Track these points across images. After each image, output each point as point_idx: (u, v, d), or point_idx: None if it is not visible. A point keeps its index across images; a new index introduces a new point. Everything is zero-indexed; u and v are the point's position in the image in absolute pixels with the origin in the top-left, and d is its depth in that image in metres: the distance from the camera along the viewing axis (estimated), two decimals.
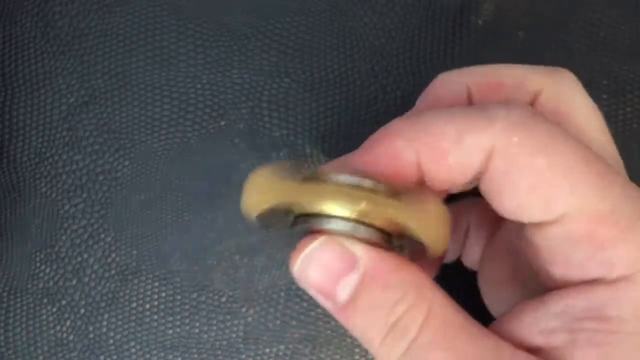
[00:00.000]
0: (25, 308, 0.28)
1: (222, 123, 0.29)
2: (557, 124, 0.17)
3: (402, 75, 0.29)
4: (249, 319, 0.28)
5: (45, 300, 0.28)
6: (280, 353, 0.28)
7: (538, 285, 0.19)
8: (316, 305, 0.28)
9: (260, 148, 0.29)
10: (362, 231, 0.17)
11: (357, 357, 0.27)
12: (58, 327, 0.28)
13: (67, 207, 0.29)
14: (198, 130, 0.29)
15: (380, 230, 0.17)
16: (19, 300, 0.28)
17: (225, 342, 0.28)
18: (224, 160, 0.29)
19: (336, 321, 0.28)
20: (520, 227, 0.19)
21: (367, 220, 0.17)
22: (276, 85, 0.29)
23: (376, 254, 0.17)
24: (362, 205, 0.16)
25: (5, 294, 0.28)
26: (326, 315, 0.28)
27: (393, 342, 0.17)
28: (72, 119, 0.29)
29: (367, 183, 0.17)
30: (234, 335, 0.28)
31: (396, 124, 0.18)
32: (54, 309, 0.28)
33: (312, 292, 0.18)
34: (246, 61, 0.29)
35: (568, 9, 0.29)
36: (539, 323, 0.17)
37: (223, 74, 0.29)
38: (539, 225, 0.17)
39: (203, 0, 0.30)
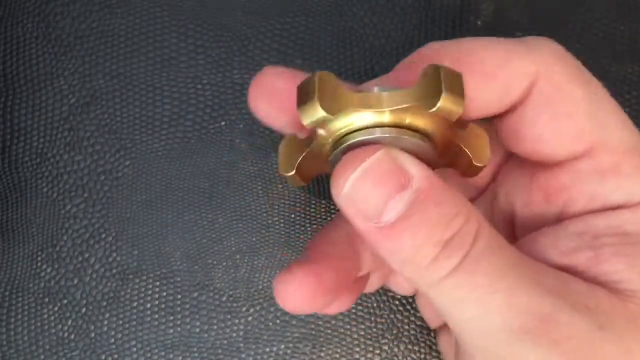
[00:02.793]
0: (26, 307, 0.28)
1: (222, 123, 0.29)
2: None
3: None
4: (250, 318, 0.28)
5: (46, 300, 0.28)
6: (281, 352, 0.28)
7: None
8: None
9: (260, 148, 0.29)
10: (408, 142, 0.16)
11: (357, 356, 0.28)
12: (59, 327, 0.28)
13: (68, 207, 0.29)
14: (198, 130, 0.29)
15: (428, 140, 0.17)
16: (20, 299, 0.29)
17: (225, 342, 0.28)
18: (224, 160, 0.29)
19: (336, 320, 0.28)
20: (529, 171, 0.19)
21: (414, 128, 0.16)
22: None
23: (429, 172, 0.17)
24: (408, 108, 0.16)
25: (7, 293, 0.29)
26: (326, 315, 0.28)
27: (448, 256, 0.16)
28: (74, 120, 0.29)
29: (409, 93, 0.16)
30: (234, 334, 0.28)
31: (435, 46, 0.18)
32: (56, 308, 0.28)
33: (351, 212, 0.17)
34: (246, 61, 0.29)
35: (567, 9, 0.29)
36: (559, 244, 0.18)
37: (223, 74, 0.29)
38: (560, 162, 0.18)
39: (203, 1, 0.30)
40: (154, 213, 0.29)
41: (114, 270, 0.29)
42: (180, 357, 0.28)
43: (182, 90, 0.29)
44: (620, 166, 0.18)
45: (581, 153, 0.18)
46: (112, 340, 0.28)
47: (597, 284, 0.17)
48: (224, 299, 0.28)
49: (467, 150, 0.18)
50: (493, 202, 0.22)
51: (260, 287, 0.28)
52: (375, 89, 0.17)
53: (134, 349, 0.28)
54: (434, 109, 0.16)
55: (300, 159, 0.18)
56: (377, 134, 0.16)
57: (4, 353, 0.28)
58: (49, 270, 0.29)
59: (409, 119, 0.16)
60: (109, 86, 0.30)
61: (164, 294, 0.28)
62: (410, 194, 0.16)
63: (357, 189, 0.16)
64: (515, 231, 0.21)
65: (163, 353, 0.28)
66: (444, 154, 0.18)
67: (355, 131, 0.17)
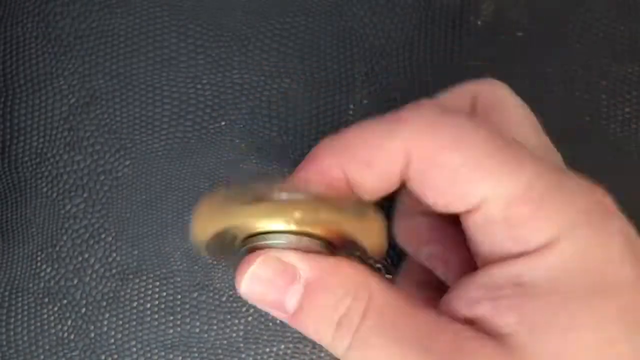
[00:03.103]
0: (26, 307, 0.28)
1: (222, 123, 0.29)
2: (468, 116, 0.19)
3: (402, 75, 0.29)
4: (250, 318, 0.28)
5: (46, 300, 0.28)
6: (281, 352, 0.28)
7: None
8: None
9: (260, 148, 0.29)
10: (304, 242, 0.18)
11: None
12: (59, 327, 0.28)
13: (68, 207, 0.29)
14: (198, 130, 0.29)
15: (322, 238, 0.19)
16: (20, 299, 0.28)
17: (225, 342, 0.28)
18: (224, 160, 0.29)
19: None
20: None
21: (307, 231, 0.18)
22: (276, 86, 0.29)
23: (314, 261, 0.18)
24: (296, 215, 0.18)
25: (6, 293, 0.29)
26: None
27: (341, 336, 0.18)
28: (73, 119, 0.29)
29: (304, 197, 0.18)
30: (234, 334, 0.28)
31: (324, 142, 0.20)
32: (55, 309, 0.28)
33: (263, 307, 0.19)
34: (246, 61, 0.29)
35: (567, 9, 0.29)
36: (467, 295, 0.18)
37: (223, 74, 0.29)
38: (464, 213, 0.19)
39: (203, 1, 0.30)
40: (154, 213, 0.29)
41: (114, 270, 0.28)
42: (180, 357, 0.28)
43: (182, 90, 0.29)
44: (509, 217, 0.18)
45: (473, 208, 0.18)
46: (112, 340, 0.28)
47: (495, 336, 0.18)
48: (224, 299, 0.28)
49: (361, 243, 0.19)
50: None
51: None
52: (265, 198, 0.18)
53: (134, 349, 0.28)
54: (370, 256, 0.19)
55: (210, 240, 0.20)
56: (270, 240, 0.18)
57: (3, 353, 0.28)
58: (48, 270, 0.29)
59: (295, 227, 0.18)
60: (108, 86, 0.30)
61: (164, 294, 0.28)
62: (300, 287, 0.18)
63: (252, 290, 0.19)
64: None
65: (163, 353, 0.28)
66: (343, 243, 0.20)
67: (255, 235, 0.19)
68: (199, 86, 0.29)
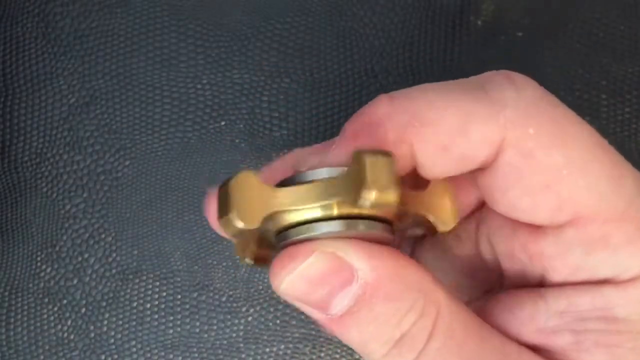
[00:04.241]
0: (26, 307, 0.28)
1: (222, 123, 0.29)
2: (568, 109, 0.15)
3: (402, 75, 0.29)
4: (249, 319, 0.28)
5: (46, 300, 0.28)
6: (281, 352, 0.28)
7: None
8: None
9: (260, 148, 0.29)
10: (358, 227, 0.15)
11: (357, 356, 0.28)
12: (59, 327, 0.28)
13: (68, 207, 0.29)
14: (198, 130, 0.29)
15: (378, 219, 0.15)
16: (20, 299, 0.28)
17: (225, 342, 0.28)
18: (224, 160, 0.29)
19: None
20: (512, 228, 0.17)
21: (360, 213, 0.15)
22: (276, 85, 0.29)
23: (377, 260, 0.15)
24: (362, 195, 0.14)
25: (6, 293, 0.29)
26: None
27: (399, 355, 0.15)
28: (73, 120, 0.29)
29: (363, 173, 0.14)
30: (234, 334, 0.28)
31: (382, 108, 0.16)
32: (55, 309, 0.28)
33: (300, 306, 0.16)
34: (246, 61, 0.29)
35: (567, 9, 0.29)
36: (538, 321, 0.16)
37: (223, 74, 0.29)
38: (545, 227, 0.16)
39: (203, 1, 0.30)
40: (154, 213, 0.29)
41: (114, 271, 0.28)
42: (180, 358, 0.28)
43: (182, 90, 0.29)
44: (609, 237, 0.15)
45: (564, 223, 0.15)
46: (112, 340, 0.28)
47: None
48: (223, 299, 0.28)
49: (428, 217, 0.16)
50: (477, 236, 0.20)
51: (260, 287, 0.28)
52: (301, 179, 0.15)
53: (134, 349, 0.28)
54: (365, 205, 0.14)
55: (254, 248, 0.17)
56: (318, 230, 0.15)
57: (3, 353, 0.28)
58: (48, 270, 0.29)
59: (345, 209, 0.15)
60: (108, 86, 0.30)
61: (164, 294, 0.28)
62: (357, 289, 0.15)
63: (294, 289, 0.15)
64: (503, 277, 0.19)
65: (163, 353, 0.28)
66: (406, 221, 0.17)
67: (295, 226, 0.15)
68: (199, 86, 0.29)
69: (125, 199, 0.29)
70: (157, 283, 0.28)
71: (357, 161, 0.14)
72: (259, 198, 0.15)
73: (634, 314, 0.15)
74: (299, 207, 0.15)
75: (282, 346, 0.28)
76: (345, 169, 0.15)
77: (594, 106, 0.29)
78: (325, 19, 0.30)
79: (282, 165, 0.18)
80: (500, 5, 0.29)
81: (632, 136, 0.28)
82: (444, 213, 0.16)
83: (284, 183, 0.16)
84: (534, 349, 0.16)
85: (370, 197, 0.14)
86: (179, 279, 0.28)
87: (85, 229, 0.29)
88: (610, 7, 0.29)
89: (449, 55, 0.29)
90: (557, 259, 0.16)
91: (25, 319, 0.28)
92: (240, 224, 0.15)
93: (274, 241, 0.16)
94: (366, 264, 0.15)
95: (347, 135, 0.16)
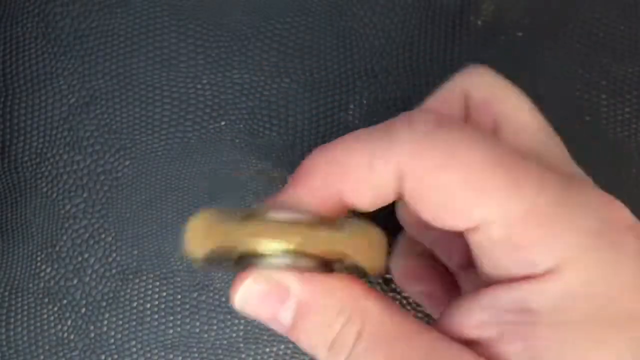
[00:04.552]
0: (26, 307, 0.28)
1: (222, 123, 0.29)
2: (463, 128, 0.18)
3: (402, 75, 0.29)
4: (249, 319, 0.28)
5: (46, 300, 0.28)
6: (281, 352, 0.28)
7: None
8: None
9: (260, 148, 0.29)
10: (301, 262, 0.18)
11: None
12: (59, 327, 0.28)
13: (68, 207, 0.29)
14: (198, 130, 0.29)
15: (319, 258, 0.18)
16: (20, 299, 0.28)
17: (225, 342, 0.28)
18: (224, 160, 0.29)
19: None
20: (450, 239, 0.19)
21: (304, 251, 0.18)
22: (276, 85, 0.29)
23: (307, 280, 0.18)
24: (293, 237, 0.17)
25: (6, 293, 0.29)
26: None
27: (334, 355, 0.18)
28: (73, 120, 0.29)
29: (300, 217, 0.18)
30: (234, 334, 0.28)
31: (313, 159, 0.19)
32: (55, 309, 0.28)
33: (261, 321, 0.19)
34: (246, 61, 0.29)
35: (567, 9, 0.29)
36: (471, 316, 0.18)
37: (223, 74, 0.29)
38: (463, 232, 0.18)
39: (203, 1, 0.30)
40: (154, 213, 0.29)
41: (114, 271, 0.28)
42: (180, 358, 0.28)
43: (182, 90, 0.29)
44: (511, 238, 0.17)
45: (472, 228, 0.17)
46: (112, 340, 0.28)
47: None
48: (223, 299, 0.28)
49: (360, 263, 0.19)
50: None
51: None
52: (259, 217, 0.18)
53: (134, 349, 0.28)
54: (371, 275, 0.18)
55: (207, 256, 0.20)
56: (268, 258, 0.18)
57: (3, 353, 0.28)
58: (48, 270, 0.29)
59: (292, 247, 0.18)
60: (108, 86, 0.30)
61: (164, 294, 0.28)
62: (293, 306, 0.18)
63: (245, 307, 0.19)
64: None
65: (163, 353, 0.28)
66: (342, 262, 0.19)
67: (258, 254, 0.18)
68: (199, 86, 0.29)
69: (125, 199, 0.29)
70: (157, 283, 0.28)
71: (357, 232, 0.18)
72: (213, 231, 0.18)
73: (546, 306, 0.16)
74: (249, 240, 0.18)
75: (282, 346, 0.28)
76: (295, 214, 0.18)
77: (594, 106, 0.29)
78: (325, 19, 0.30)
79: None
80: (500, 5, 0.29)
81: (632, 136, 0.28)
82: (372, 259, 0.19)
83: (245, 219, 0.19)
84: (470, 343, 0.18)
85: (376, 272, 0.18)
86: (179, 279, 0.28)
87: (85, 229, 0.29)
88: (610, 7, 0.29)
89: (449, 55, 0.29)
90: (480, 259, 0.18)
91: (25, 319, 0.28)
92: (189, 249, 0.18)
93: (234, 261, 0.19)
94: (298, 284, 0.18)
95: (291, 184, 0.19)
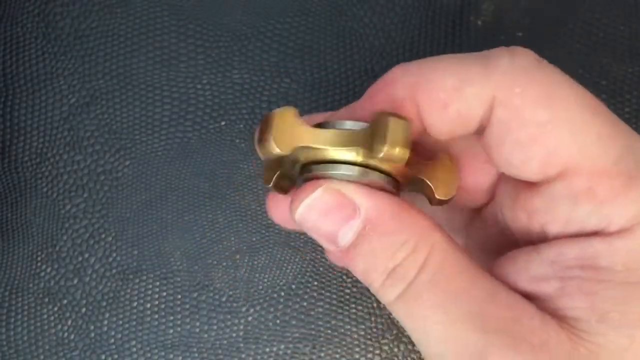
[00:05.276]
0: (26, 307, 0.28)
1: (222, 123, 0.29)
2: (563, 74, 0.17)
3: None
4: (249, 319, 0.28)
5: (46, 300, 0.28)
6: (281, 352, 0.28)
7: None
8: (316, 304, 0.28)
9: None
10: (370, 175, 0.17)
11: (357, 356, 0.28)
12: (59, 327, 0.28)
13: (68, 207, 0.29)
14: (198, 130, 0.29)
15: (389, 174, 0.18)
16: (20, 299, 0.28)
17: (225, 342, 0.28)
18: (225, 160, 0.29)
19: (336, 321, 0.28)
20: (514, 189, 0.19)
21: (375, 165, 0.17)
22: (276, 86, 0.29)
23: (378, 200, 0.17)
24: (371, 147, 0.16)
25: (7, 293, 0.29)
26: (326, 315, 0.28)
27: (391, 285, 0.17)
28: (73, 120, 0.29)
29: (376, 128, 0.17)
30: (234, 334, 0.28)
31: (396, 71, 0.18)
32: (55, 308, 0.28)
33: (315, 236, 0.18)
34: (246, 61, 0.29)
35: (567, 9, 0.29)
36: (530, 269, 0.17)
37: (223, 75, 0.29)
38: (538, 183, 0.17)
39: (203, 1, 0.30)
40: (154, 213, 0.29)
41: (114, 270, 0.28)
42: (180, 357, 0.28)
43: (182, 90, 0.29)
44: (595, 189, 0.16)
45: (554, 176, 0.17)
46: (112, 340, 0.28)
47: (557, 317, 0.16)
48: (223, 299, 0.28)
49: (429, 184, 0.18)
50: (496, 214, 0.21)
51: (260, 287, 0.28)
52: (331, 125, 0.18)
53: (134, 349, 0.28)
54: (378, 157, 0.16)
55: (277, 177, 0.19)
56: (334, 170, 0.17)
57: (3, 353, 0.28)
58: (48, 270, 0.29)
59: (361, 160, 0.17)
60: (108, 86, 0.30)
61: (164, 294, 0.28)
62: (358, 224, 0.17)
63: (306, 219, 0.18)
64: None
65: (163, 353, 0.28)
66: (410, 183, 0.19)
67: (318, 163, 0.18)
68: (199, 86, 0.29)
69: (125, 198, 0.29)
70: (157, 283, 0.28)
71: (378, 120, 0.17)
72: (294, 131, 0.17)
73: (617, 265, 0.16)
74: (323, 147, 0.17)
75: (282, 346, 0.28)
76: (366, 124, 0.17)
77: None
78: (325, 19, 0.30)
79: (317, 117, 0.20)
80: (500, 5, 0.29)
81: None
82: (444, 183, 0.18)
83: (315, 126, 0.18)
84: (526, 296, 0.17)
85: (385, 150, 0.16)
86: (179, 279, 0.28)
87: (86, 228, 0.29)
88: (610, 7, 0.29)
89: None
90: (548, 213, 0.17)
91: (26, 319, 0.28)
92: (275, 149, 0.17)
93: (297, 176, 0.19)
94: (368, 201, 0.17)
95: (366, 95, 0.18)
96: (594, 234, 0.16)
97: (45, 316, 0.28)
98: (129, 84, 0.30)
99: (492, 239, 0.21)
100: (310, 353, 0.28)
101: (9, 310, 0.28)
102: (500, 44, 0.29)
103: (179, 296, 0.28)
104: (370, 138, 0.17)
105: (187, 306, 0.28)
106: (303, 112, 0.29)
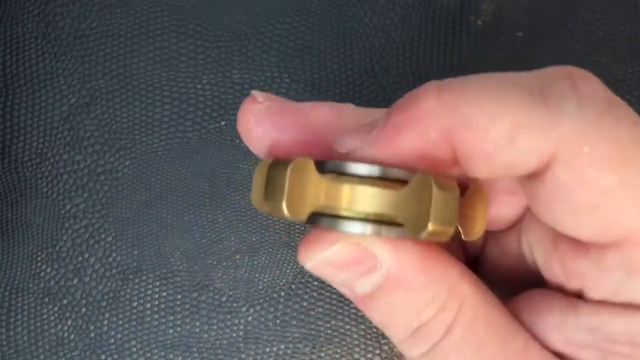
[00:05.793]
0: (26, 307, 0.28)
1: (222, 123, 0.29)
2: (632, 125, 0.14)
3: (402, 75, 0.29)
4: (249, 319, 0.28)
5: (46, 300, 0.28)
6: (281, 352, 0.28)
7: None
8: (316, 304, 0.28)
9: None
10: (392, 233, 0.15)
11: (357, 356, 0.28)
12: (59, 327, 0.28)
13: (68, 207, 0.29)
14: (198, 130, 0.29)
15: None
16: (20, 299, 0.28)
17: (225, 342, 0.28)
18: (225, 160, 0.29)
19: (336, 321, 0.28)
20: (553, 237, 0.17)
21: (396, 218, 0.15)
22: (276, 85, 0.29)
23: (402, 253, 0.15)
24: (391, 204, 0.14)
25: (7, 293, 0.29)
26: (326, 315, 0.28)
27: (416, 343, 0.16)
28: (74, 120, 0.29)
29: (392, 173, 0.15)
30: (234, 334, 0.28)
31: (430, 102, 0.15)
32: (55, 308, 0.28)
33: (328, 281, 0.17)
34: (246, 61, 0.29)
35: (567, 9, 0.29)
36: (567, 331, 0.16)
37: (223, 74, 0.29)
38: (586, 245, 0.15)
39: (203, 1, 0.30)
40: (154, 213, 0.29)
41: (114, 270, 0.28)
42: (180, 358, 0.28)
43: (182, 90, 0.29)
44: None
45: (608, 244, 0.15)
46: (112, 340, 0.28)
47: None
48: (223, 299, 0.28)
49: (457, 226, 0.16)
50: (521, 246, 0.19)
51: (260, 287, 0.28)
52: (353, 173, 0.15)
53: (134, 349, 0.28)
54: (420, 235, 0.14)
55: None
56: (355, 229, 0.15)
57: (3, 353, 0.28)
58: (48, 270, 0.29)
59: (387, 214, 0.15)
60: (108, 86, 0.30)
61: (164, 294, 0.28)
62: (379, 277, 0.15)
63: (318, 271, 0.16)
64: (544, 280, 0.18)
65: (163, 353, 0.28)
66: None
67: (334, 216, 0.15)
68: (199, 86, 0.29)
69: (125, 199, 0.29)
70: (157, 283, 0.28)
71: (419, 186, 0.14)
72: (311, 190, 0.15)
73: None
74: (348, 208, 0.15)
75: (282, 346, 0.28)
76: (396, 174, 0.15)
77: None
78: (325, 19, 0.30)
79: (313, 111, 0.18)
80: (500, 5, 0.29)
81: None
82: (471, 223, 0.16)
83: (325, 167, 0.15)
84: (558, 356, 0.16)
85: (429, 229, 0.14)
86: (179, 279, 0.28)
87: (86, 228, 0.29)
88: (611, 7, 0.29)
89: (449, 55, 0.29)
90: (595, 279, 0.15)
91: (26, 319, 0.28)
92: (287, 215, 0.15)
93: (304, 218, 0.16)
94: (390, 255, 0.15)
95: (390, 126, 0.15)
96: None
97: (45, 316, 0.28)
98: (129, 84, 0.29)
99: (507, 265, 0.19)
100: (310, 353, 0.28)
101: (9, 310, 0.28)
102: (500, 44, 0.29)
103: (179, 296, 0.28)
104: (407, 204, 0.14)
105: (187, 306, 0.28)
106: None
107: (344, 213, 0.15)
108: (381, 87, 0.29)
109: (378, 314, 0.16)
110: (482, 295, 0.16)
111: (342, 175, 0.15)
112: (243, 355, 0.28)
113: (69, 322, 0.28)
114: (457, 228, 0.16)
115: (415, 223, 0.14)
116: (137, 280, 0.28)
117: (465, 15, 0.29)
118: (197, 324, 0.28)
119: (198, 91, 0.29)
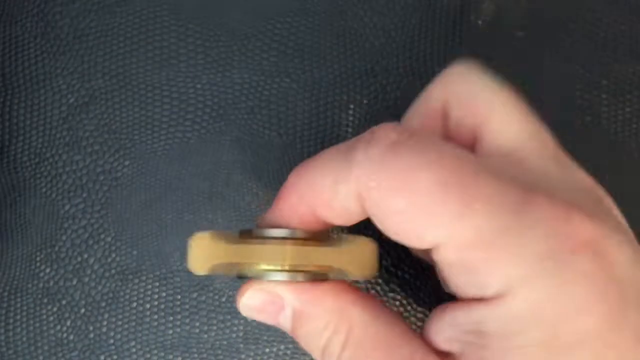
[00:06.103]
0: (25, 308, 0.28)
1: (222, 123, 0.29)
2: (422, 149, 0.18)
3: (402, 75, 0.29)
4: (249, 319, 0.28)
5: (45, 300, 0.28)
6: (281, 353, 0.28)
7: None
8: None
9: (260, 148, 0.29)
10: (296, 275, 0.20)
11: None
12: (58, 327, 0.28)
13: (67, 207, 0.29)
14: (198, 130, 0.29)
15: (312, 270, 0.20)
16: (19, 300, 0.28)
17: (225, 342, 0.28)
18: (224, 160, 0.29)
19: None
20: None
21: (297, 268, 0.19)
22: (276, 85, 0.29)
23: (300, 291, 0.20)
24: (289, 259, 0.19)
25: (5, 293, 0.28)
26: None
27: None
28: (73, 119, 0.29)
29: (292, 233, 0.19)
30: (234, 335, 0.28)
31: (291, 178, 0.20)
32: (54, 309, 0.28)
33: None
34: (246, 61, 0.29)
35: (568, 9, 0.29)
36: (439, 330, 0.19)
37: (223, 74, 0.29)
38: (425, 251, 0.18)
39: (203, 0, 0.30)
40: (154, 213, 0.29)
41: (113, 271, 0.28)
42: (180, 358, 0.28)
43: (182, 90, 0.29)
44: (464, 261, 0.17)
45: (431, 249, 0.18)
46: (111, 340, 0.28)
47: None
48: (223, 299, 0.28)
49: (351, 273, 0.20)
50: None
51: None
52: (274, 234, 0.20)
53: (133, 350, 0.28)
54: (353, 279, 0.20)
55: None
56: (266, 277, 0.20)
57: (2, 354, 0.28)
58: (47, 270, 0.29)
59: (298, 267, 0.20)
60: (108, 86, 0.29)
61: (164, 294, 0.28)
62: (290, 313, 0.20)
63: (248, 315, 0.21)
64: None
65: (162, 354, 0.28)
66: (334, 271, 0.21)
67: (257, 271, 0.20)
68: (198, 86, 0.29)
69: (125, 199, 0.29)
70: (157, 283, 0.28)
71: (353, 243, 0.20)
72: (210, 253, 0.20)
73: (497, 331, 0.17)
74: (248, 262, 0.20)
75: (282, 346, 0.28)
76: (287, 230, 0.20)
77: (594, 106, 0.29)
78: (325, 19, 0.30)
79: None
80: (500, 5, 0.29)
81: (632, 136, 0.28)
82: (360, 266, 0.20)
83: (252, 233, 0.20)
84: (447, 355, 0.19)
85: (359, 275, 0.20)
86: (178, 279, 0.28)
87: (85, 229, 0.29)
88: (612, 6, 0.29)
89: (449, 55, 0.29)
90: (440, 278, 0.19)
91: (25, 319, 0.28)
92: (195, 271, 0.20)
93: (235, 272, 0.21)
94: (292, 295, 0.20)
95: (276, 204, 0.21)
96: (480, 300, 0.17)
97: (44, 317, 0.28)
98: (129, 83, 0.29)
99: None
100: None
101: (8, 310, 0.28)
102: (500, 44, 0.29)
103: (179, 296, 0.28)
104: (340, 256, 0.19)
105: (187, 306, 0.28)
106: (302, 111, 0.29)
107: (264, 267, 0.20)
108: (381, 87, 0.29)
109: (302, 342, 0.20)
110: (371, 315, 0.19)
111: (264, 238, 0.20)
112: (243, 356, 0.28)
113: (68, 323, 0.28)
114: (342, 270, 0.20)
115: (349, 270, 0.20)
116: (136, 281, 0.28)
117: (465, 15, 0.29)
118: (197, 324, 0.28)
119: (198, 91, 0.29)
